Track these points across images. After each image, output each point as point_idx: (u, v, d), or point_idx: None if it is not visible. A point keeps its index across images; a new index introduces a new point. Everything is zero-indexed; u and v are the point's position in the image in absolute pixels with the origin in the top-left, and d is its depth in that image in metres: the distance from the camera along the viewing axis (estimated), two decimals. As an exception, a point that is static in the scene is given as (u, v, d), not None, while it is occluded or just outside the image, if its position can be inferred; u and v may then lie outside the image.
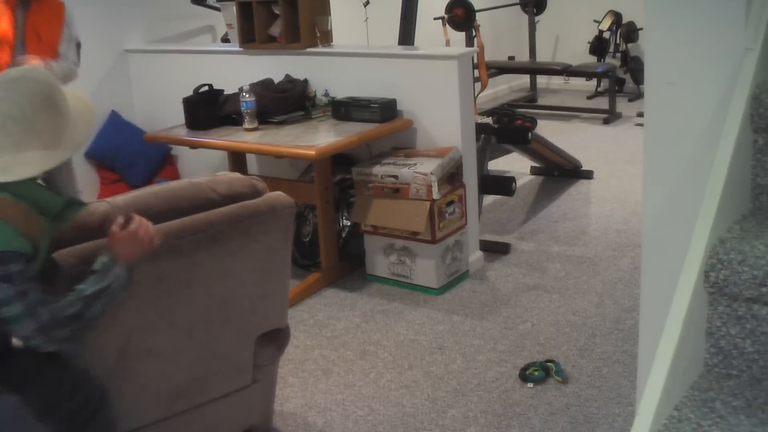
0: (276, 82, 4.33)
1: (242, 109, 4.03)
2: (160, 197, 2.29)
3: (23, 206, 1.93)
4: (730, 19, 1.71)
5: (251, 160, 4.58)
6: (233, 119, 4.16)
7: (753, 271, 1.47)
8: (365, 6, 5.74)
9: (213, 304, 2.35)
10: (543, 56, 8.56)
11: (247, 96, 4.01)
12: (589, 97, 8.14)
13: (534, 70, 8.33)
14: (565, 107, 7.77)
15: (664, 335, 1.44)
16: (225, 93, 4.28)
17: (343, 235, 4.34)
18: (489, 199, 5.01)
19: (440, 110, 4.01)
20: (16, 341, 2.03)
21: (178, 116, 4.30)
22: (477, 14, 6.70)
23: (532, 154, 5.31)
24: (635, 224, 4.63)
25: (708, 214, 1.54)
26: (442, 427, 2.84)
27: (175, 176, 5.22)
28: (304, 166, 4.45)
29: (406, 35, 4.97)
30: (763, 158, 1.69)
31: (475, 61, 5.61)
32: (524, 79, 8.76)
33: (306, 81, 4.38)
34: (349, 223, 4.34)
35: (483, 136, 4.58)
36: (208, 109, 4.20)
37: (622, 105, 7.53)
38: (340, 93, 4.26)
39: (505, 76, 8.31)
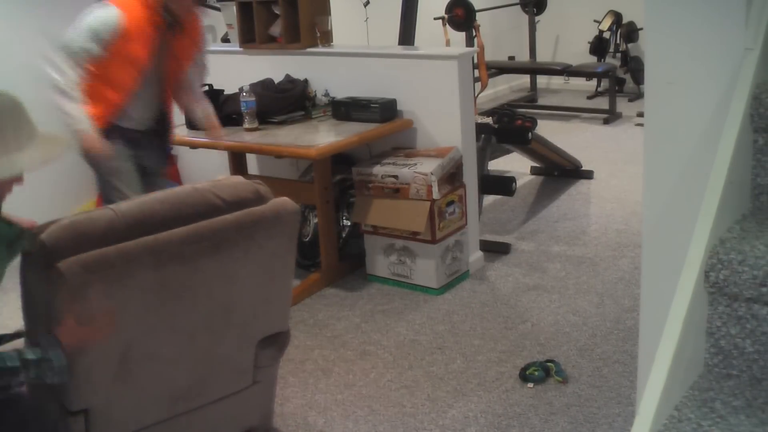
0: (276, 82, 4.33)
1: (242, 109, 4.03)
2: (165, 203, 2.28)
3: None
4: (730, 19, 1.71)
5: (251, 160, 4.58)
6: (233, 119, 4.16)
7: (753, 271, 1.47)
8: (365, 6, 5.74)
9: (216, 309, 2.34)
10: (543, 56, 8.56)
11: (247, 96, 4.01)
12: (589, 97, 8.14)
13: (534, 70, 8.33)
14: (565, 107, 7.77)
15: (664, 335, 1.44)
16: (225, 93, 4.28)
17: (344, 235, 4.34)
18: (489, 199, 5.01)
19: (440, 110, 4.01)
20: None
21: (178, 116, 4.30)
22: (477, 14, 6.70)
23: (532, 154, 5.31)
24: (635, 224, 4.63)
25: (708, 214, 1.54)
26: (442, 427, 2.84)
27: (176, 176, 5.22)
28: (304, 166, 4.45)
29: (406, 35, 4.97)
30: (763, 158, 1.69)
31: (475, 61, 5.61)
32: (524, 79, 8.76)
33: (306, 81, 4.38)
34: (349, 223, 4.34)
35: (483, 136, 4.58)
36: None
37: (622, 105, 7.53)
38: (340, 93, 4.26)
39: (505, 76, 8.31)
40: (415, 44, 5.07)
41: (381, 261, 4.06)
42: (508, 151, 5.35)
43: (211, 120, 3.61)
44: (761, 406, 1.44)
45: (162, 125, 3.51)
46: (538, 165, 5.68)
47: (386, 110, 4.03)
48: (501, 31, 8.34)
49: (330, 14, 4.43)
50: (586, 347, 3.32)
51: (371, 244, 4.07)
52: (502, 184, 4.61)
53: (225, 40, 5.22)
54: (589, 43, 8.09)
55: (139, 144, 3.39)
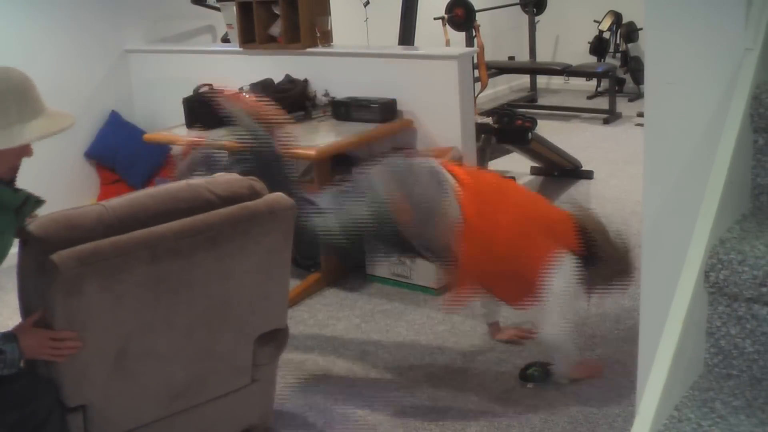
0: (276, 82, 4.33)
1: (242, 109, 4.02)
2: (155, 198, 2.28)
3: None
4: (730, 19, 1.71)
5: (251, 160, 4.58)
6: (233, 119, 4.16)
7: (753, 271, 1.47)
8: (365, 6, 5.74)
9: (212, 305, 2.34)
10: (543, 56, 8.56)
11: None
12: (589, 97, 8.13)
13: (534, 70, 8.33)
14: (565, 107, 7.76)
15: (664, 335, 1.44)
16: (225, 93, 4.27)
17: (343, 235, 4.34)
18: (489, 199, 5.00)
19: (440, 110, 4.01)
20: None
21: (178, 116, 4.30)
22: (477, 14, 6.70)
23: (532, 154, 5.31)
24: (635, 224, 4.62)
25: (708, 214, 1.54)
26: (442, 427, 2.84)
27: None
28: (304, 166, 4.45)
29: (406, 35, 4.98)
30: (763, 158, 1.69)
31: (475, 61, 5.61)
32: (524, 79, 8.75)
33: (306, 81, 4.38)
34: (349, 223, 4.33)
35: (483, 136, 4.58)
36: (208, 109, 4.20)
37: (622, 105, 7.53)
38: (340, 93, 4.26)
39: (505, 76, 8.30)
40: (415, 44, 5.08)
41: (381, 261, 4.05)
42: (508, 151, 5.35)
43: None
44: (761, 406, 1.44)
45: None
46: (538, 165, 5.68)
47: (386, 110, 4.02)
48: (501, 31, 8.34)
49: (330, 14, 4.43)
50: (586, 347, 3.31)
51: (371, 244, 4.07)
52: (502, 184, 4.60)
53: (225, 40, 5.22)
54: (589, 43, 8.08)
55: None
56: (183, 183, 2.41)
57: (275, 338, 2.56)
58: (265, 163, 2.95)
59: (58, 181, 4.81)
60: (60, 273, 2.00)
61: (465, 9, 6.65)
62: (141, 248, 2.12)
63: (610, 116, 7.23)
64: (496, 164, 5.42)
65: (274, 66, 4.46)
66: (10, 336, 2.04)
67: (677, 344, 1.42)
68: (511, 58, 8.43)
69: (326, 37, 4.38)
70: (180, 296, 2.26)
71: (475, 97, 4.63)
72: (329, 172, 4.05)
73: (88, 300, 2.07)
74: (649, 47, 1.86)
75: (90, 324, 2.11)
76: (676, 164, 1.86)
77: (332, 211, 2.97)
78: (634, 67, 7.90)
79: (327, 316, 3.76)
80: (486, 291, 3.08)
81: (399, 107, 4.10)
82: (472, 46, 6.70)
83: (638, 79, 7.82)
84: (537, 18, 8.29)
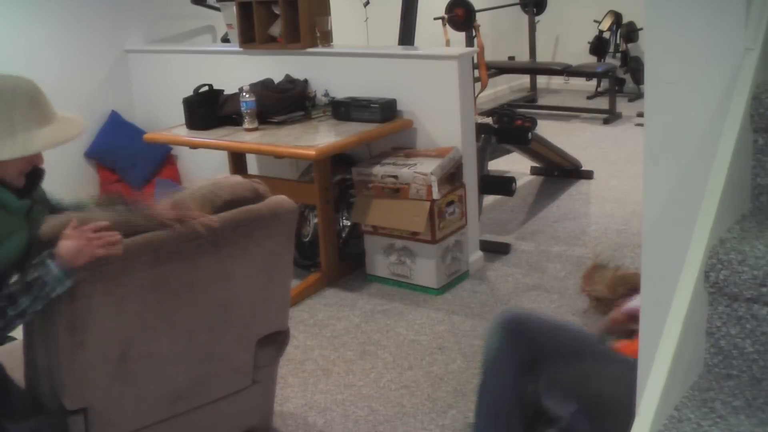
0: (276, 82, 4.33)
1: (242, 109, 4.03)
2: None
3: None
4: (730, 19, 1.71)
5: (251, 160, 4.58)
6: (233, 119, 4.16)
7: (753, 271, 1.47)
8: (365, 6, 5.74)
9: (214, 307, 2.34)
10: (543, 56, 8.56)
11: (247, 96, 4.01)
12: (589, 97, 8.14)
13: (534, 70, 8.33)
14: (565, 107, 7.77)
15: (664, 335, 1.44)
16: (225, 93, 4.28)
17: (343, 235, 4.34)
18: (489, 199, 5.01)
19: (440, 110, 4.01)
20: None
21: (178, 116, 4.30)
22: (477, 14, 6.70)
23: (532, 154, 5.31)
24: (635, 224, 4.62)
25: (708, 214, 1.54)
26: (442, 427, 2.84)
27: (175, 176, 5.22)
28: (304, 166, 4.45)
29: (406, 35, 4.97)
30: (763, 158, 1.69)
31: (475, 61, 5.61)
32: (524, 79, 8.76)
33: (306, 81, 4.38)
34: (349, 223, 4.34)
35: (483, 136, 4.58)
36: (208, 109, 4.20)
37: (622, 105, 7.53)
38: (340, 93, 4.26)
39: (505, 76, 8.31)
40: (415, 44, 5.07)
41: (381, 261, 4.06)
42: (508, 151, 5.35)
43: None
44: (761, 406, 1.44)
45: None
46: (538, 165, 5.68)
47: (386, 110, 4.03)
48: (501, 31, 8.34)
49: (330, 14, 4.43)
50: (586, 347, 3.31)
51: (371, 244, 4.07)
52: (502, 184, 4.61)
53: (225, 40, 5.23)
54: (589, 43, 8.09)
55: None
56: (188, 193, 2.37)
57: (276, 340, 2.56)
58: None
59: (58, 181, 4.77)
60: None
61: (465, 9, 6.65)
62: (144, 252, 2.12)
63: (610, 116, 7.23)
64: (497, 164, 5.42)
65: (274, 66, 4.47)
66: (42, 259, 1.97)
67: (677, 344, 1.42)
68: (511, 58, 8.43)
69: (326, 37, 4.38)
70: (182, 299, 2.25)
71: (475, 97, 4.63)
72: (329, 172, 4.06)
73: (91, 304, 2.06)
74: (649, 47, 1.86)
75: (92, 327, 2.10)
76: (676, 164, 1.86)
77: None
78: (634, 67, 7.90)
79: (327, 316, 3.76)
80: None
81: (399, 107, 4.10)
82: (472, 46, 6.70)
83: (638, 79, 7.82)
84: (537, 18, 8.29)
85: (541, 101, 8.24)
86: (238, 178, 2.49)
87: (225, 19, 4.89)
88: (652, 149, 1.91)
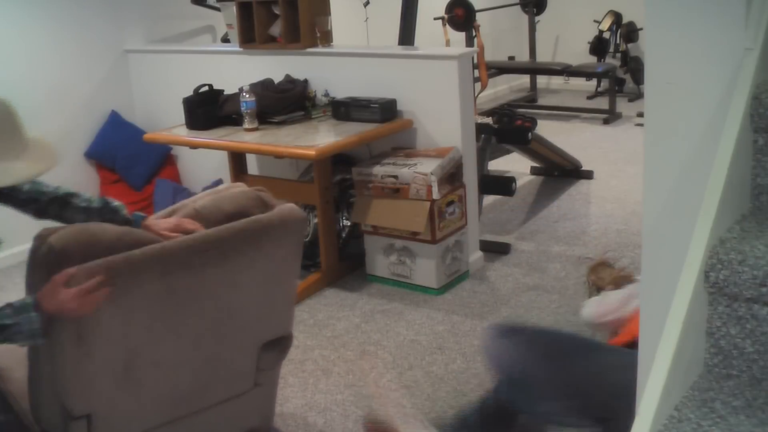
0: (276, 82, 4.33)
1: (242, 109, 4.03)
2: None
3: None
4: (730, 19, 1.71)
5: (251, 161, 4.58)
6: (233, 119, 4.16)
7: (753, 271, 1.47)
8: (365, 6, 5.74)
9: (220, 316, 2.32)
10: (543, 56, 8.56)
11: (247, 96, 4.01)
12: (589, 97, 8.14)
13: (534, 70, 8.33)
14: (565, 107, 7.77)
15: (664, 335, 1.44)
16: (225, 93, 4.28)
17: (343, 235, 4.34)
18: (489, 199, 5.01)
19: (440, 110, 4.01)
20: None
21: (178, 116, 4.30)
22: (477, 14, 6.70)
23: (532, 154, 5.31)
24: (635, 224, 4.62)
25: (708, 214, 1.54)
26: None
27: (175, 176, 5.22)
28: (304, 166, 4.45)
29: (406, 35, 4.97)
30: (763, 158, 1.69)
31: (475, 61, 5.61)
32: (524, 79, 8.76)
33: (306, 81, 4.38)
34: (349, 223, 4.34)
35: (483, 136, 4.58)
36: (208, 109, 4.20)
37: (622, 105, 7.53)
38: (340, 93, 4.26)
39: (505, 76, 8.31)
40: (415, 44, 5.08)
41: (381, 261, 4.06)
42: (508, 151, 5.35)
43: None
44: (761, 406, 1.44)
45: None
46: (538, 165, 5.68)
47: (386, 110, 4.03)
48: (501, 31, 8.34)
49: (330, 14, 4.43)
50: (586, 347, 3.32)
51: (371, 244, 4.07)
52: (502, 184, 4.61)
53: (225, 40, 5.23)
54: (589, 43, 8.09)
55: None
56: (191, 210, 2.35)
57: (279, 344, 2.55)
58: None
59: (58, 181, 4.80)
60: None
61: (465, 9, 6.65)
62: (153, 263, 2.09)
63: (610, 116, 7.23)
64: (496, 164, 5.42)
65: (274, 66, 4.47)
66: (26, 305, 1.89)
67: (677, 344, 1.42)
68: (511, 58, 8.43)
69: (326, 37, 4.38)
70: (188, 308, 2.23)
71: (475, 97, 4.63)
72: (329, 172, 4.06)
73: (99, 315, 2.04)
74: (649, 47, 1.86)
75: (99, 339, 2.08)
76: (676, 164, 1.86)
77: None
78: (634, 67, 7.90)
79: (327, 316, 3.76)
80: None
81: (399, 107, 4.10)
82: (472, 46, 6.70)
83: (638, 79, 7.83)
84: (537, 18, 8.29)
85: (541, 101, 8.25)
86: (241, 188, 2.45)
87: (225, 19, 4.89)
88: (652, 149, 1.91)
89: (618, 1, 7.92)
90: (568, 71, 7.59)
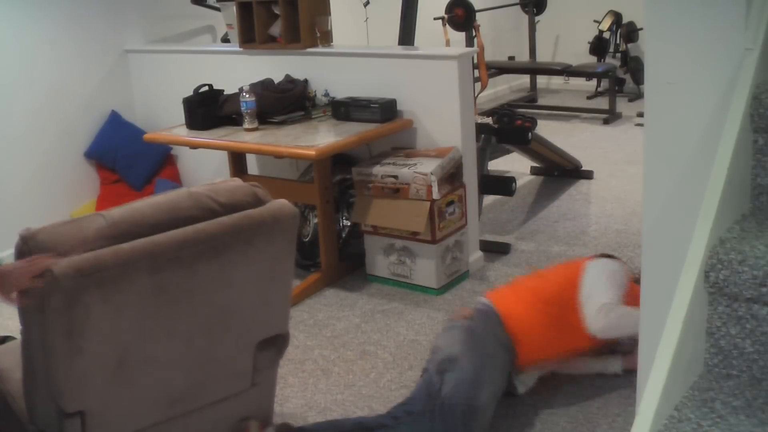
0: (276, 82, 4.33)
1: (242, 109, 4.03)
2: (157, 208, 2.25)
3: None
4: (730, 19, 1.71)
5: (251, 160, 4.59)
6: (233, 119, 4.16)
7: (753, 271, 1.47)
8: (365, 6, 5.74)
9: (213, 313, 2.32)
10: (543, 56, 8.56)
11: (247, 96, 4.01)
12: (589, 97, 8.14)
13: (534, 70, 8.33)
14: (565, 107, 7.77)
15: (664, 335, 1.44)
16: (225, 93, 4.28)
17: (343, 235, 4.34)
18: (489, 199, 5.01)
19: (440, 110, 4.01)
20: None
21: (178, 116, 4.31)
22: (477, 14, 6.70)
23: (532, 154, 5.31)
24: (635, 224, 4.62)
25: (708, 214, 1.54)
26: (442, 427, 2.84)
27: (175, 176, 5.22)
28: (304, 166, 4.45)
29: (406, 35, 4.97)
30: (763, 158, 1.69)
31: (475, 61, 5.61)
32: (524, 79, 8.76)
33: (306, 81, 4.38)
34: (349, 223, 4.34)
35: (483, 136, 4.58)
36: (208, 109, 4.20)
37: (622, 105, 7.53)
38: (340, 93, 4.26)
39: (505, 76, 8.31)
40: (415, 44, 5.07)
41: (381, 261, 4.06)
42: (508, 151, 5.35)
43: None
44: (761, 406, 1.44)
45: None
46: (538, 165, 5.68)
47: (386, 110, 4.03)
48: (501, 31, 8.34)
49: (330, 14, 4.43)
50: (586, 347, 3.31)
51: (371, 244, 4.07)
52: (502, 184, 4.61)
53: (225, 40, 5.23)
54: (589, 43, 8.09)
55: None
56: (184, 191, 2.36)
57: (276, 343, 2.55)
58: None
59: (58, 181, 4.82)
60: (60, 284, 1.97)
61: (465, 9, 6.65)
62: (142, 258, 2.10)
63: (610, 116, 7.23)
64: (496, 164, 5.42)
65: (274, 66, 4.47)
66: None
67: (677, 344, 1.42)
68: (511, 58, 8.43)
69: (326, 37, 4.38)
70: (180, 305, 2.23)
71: (475, 97, 4.63)
72: (329, 172, 4.06)
73: (89, 310, 2.04)
74: (649, 47, 1.86)
75: (90, 334, 2.08)
76: (676, 164, 1.86)
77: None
78: (634, 67, 7.90)
79: (327, 316, 3.77)
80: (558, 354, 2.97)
81: (399, 107, 4.10)
82: (472, 46, 6.71)
83: (638, 79, 7.83)
84: (537, 18, 8.29)
85: (541, 101, 8.24)
86: (237, 182, 2.46)
87: (225, 19, 4.89)
88: (652, 149, 1.91)
89: (618, 1, 7.92)
90: (568, 71, 7.59)
